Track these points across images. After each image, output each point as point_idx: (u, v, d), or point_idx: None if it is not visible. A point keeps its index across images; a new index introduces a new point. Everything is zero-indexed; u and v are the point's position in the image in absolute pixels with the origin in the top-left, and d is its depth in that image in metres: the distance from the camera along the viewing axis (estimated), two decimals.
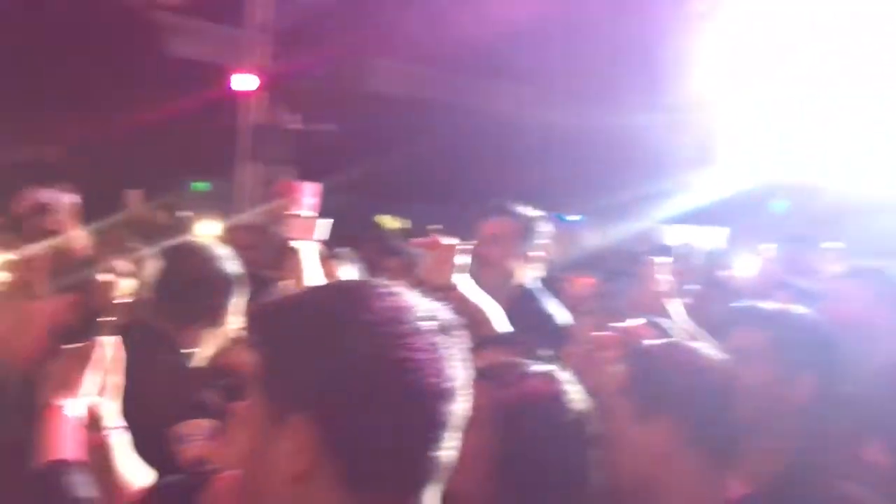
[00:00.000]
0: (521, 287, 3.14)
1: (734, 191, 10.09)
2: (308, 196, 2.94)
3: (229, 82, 8.91)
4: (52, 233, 4.46)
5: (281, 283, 3.11)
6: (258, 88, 9.05)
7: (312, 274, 2.96)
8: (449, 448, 1.08)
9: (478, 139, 11.78)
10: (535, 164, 11.69)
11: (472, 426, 1.12)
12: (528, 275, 3.19)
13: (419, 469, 1.05)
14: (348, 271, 3.95)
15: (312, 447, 1.02)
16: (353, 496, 1.03)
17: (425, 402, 1.04)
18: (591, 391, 1.72)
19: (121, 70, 10.02)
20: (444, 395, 1.05)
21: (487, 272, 2.87)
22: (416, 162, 10.99)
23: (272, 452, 1.05)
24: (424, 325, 1.06)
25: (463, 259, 2.64)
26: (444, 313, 1.10)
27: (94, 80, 9.96)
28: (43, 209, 5.19)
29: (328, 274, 3.65)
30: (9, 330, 3.86)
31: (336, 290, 1.20)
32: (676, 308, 2.89)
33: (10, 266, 3.91)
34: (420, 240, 2.88)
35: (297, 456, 1.03)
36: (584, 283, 4.60)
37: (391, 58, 10.78)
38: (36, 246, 4.41)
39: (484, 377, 1.62)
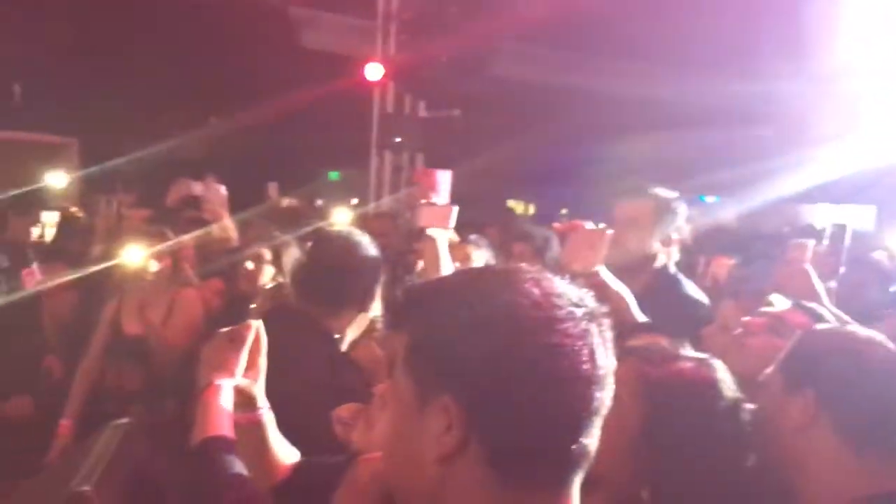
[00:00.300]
0: (659, 270, 3.06)
1: (884, 166, 9.45)
2: (441, 184, 2.97)
3: (359, 73, 9.09)
4: (204, 223, 4.69)
5: (417, 269, 3.17)
6: (386, 77, 9.20)
7: (446, 261, 3.00)
8: (595, 435, 1.06)
9: (606, 120, 11.54)
10: (668, 144, 11.34)
11: (615, 404, 1.10)
12: (667, 258, 3.11)
13: (567, 454, 1.04)
14: (482, 257, 3.97)
15: (460, 429, 1.02)
16: (499, 478, 1.03)
17: (576, 387, 1.03)
18: (734, 374, 1.68)
19: (257, 65, 10.42)
20: (596, 380, 1.04)
21: (625, 256, 2.81)
22: (544, 145, 10.89)
23: (418, 434, 1.06)
24: (574, 310, 1.05)
25: (604, 244, 2.59)
26: (589, 299, 1.08)
27: (232, 75, 10.41)
28: (194, 200, 5.47)
29: (462, 259, 3.69)
30: (165, 315, 4.12)
31: (486, 274, 1.20)
32: (821, 292, 2.75)
33: (164, 255, 4.15)
34: (562, 224, 2.84)
35: (443, 437, 1.03)
36: (722, 264, 4.46)
37: (516, 41, 10.70)
38: (188, 235, 4.67)
39: (632, 355, 1.61)
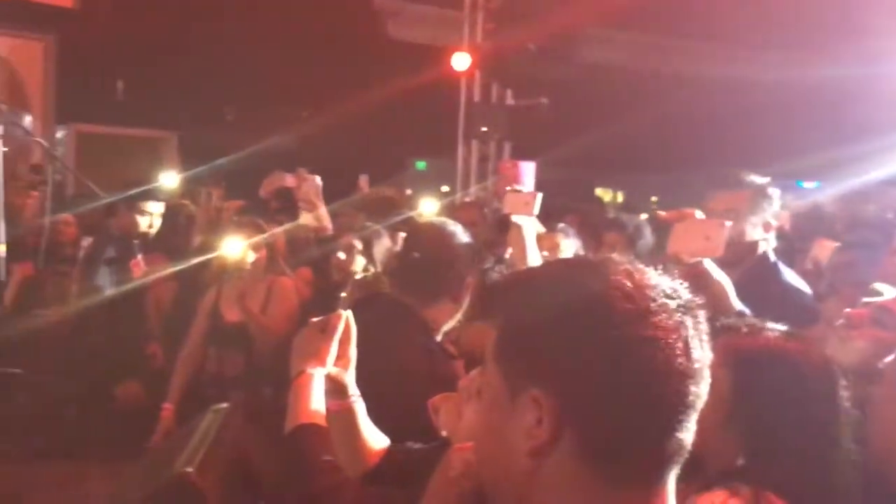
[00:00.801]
0: (759, 259, 2.98)
1: None
2: (525, 175, 2.98)
3: (446, 63, 9.12)
4: (298, 214, 4.80)
5: (507, 259, 3.16)
6: (473, 66, 9.19)
7: (532, 248, 3.00)
8: (691, 430, 1.03)
9: (698, 105, 11.24)
10: (763, 128, 10.97)
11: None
12: (765, 246, 3.02)
13: (662, 450, 1.01)
14: (570, 245, 3.94)
15: (551, 422, 1.00)
16: (591, 473, 1.01)
17: (671, 381, 0.99)
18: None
19: (345, 58, 10.57)
20: (691, 374, 1.01)
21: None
22: (633, 131, 10.68)
23: (508, 426, 1.04)
24: (668, 302, 1.02)
25: (722, 235, 2.50)
26: (683, 291, 1.05)
27: (321, 69, 10.59)
28: (287, 192, 5.59)
29: (550, 248, 3.68)
30: (263, 303, 4.24)
31: (577, 265, 1.18)
32: None
33: (259, 246, 4.27)
34: (669, 213, 2.76)
35: (534, 430, 1.01)
36: (824, 246, 4.30)
37: (603, 26, 10.52)
38: (282, 226, 4.78)
39: (722, 330, 1.59)
